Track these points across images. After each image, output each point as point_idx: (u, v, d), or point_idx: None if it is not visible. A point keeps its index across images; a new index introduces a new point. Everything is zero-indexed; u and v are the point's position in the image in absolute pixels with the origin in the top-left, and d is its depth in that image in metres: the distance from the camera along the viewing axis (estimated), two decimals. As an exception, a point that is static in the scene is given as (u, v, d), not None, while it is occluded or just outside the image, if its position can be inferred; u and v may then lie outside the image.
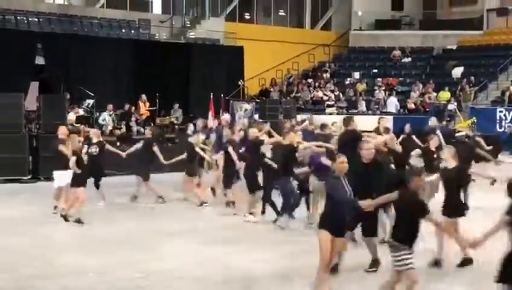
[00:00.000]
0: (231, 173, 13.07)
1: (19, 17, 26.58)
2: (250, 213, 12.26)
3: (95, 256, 9.65)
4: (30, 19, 26.83)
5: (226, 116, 18.36)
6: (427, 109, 28.29)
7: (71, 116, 19.91)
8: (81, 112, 21.61)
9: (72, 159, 11.68)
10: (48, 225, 11.86)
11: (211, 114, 21.47)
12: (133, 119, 23.09)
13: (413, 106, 29.07)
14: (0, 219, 12.37)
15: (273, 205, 12.13)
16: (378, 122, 16.81)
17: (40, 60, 23.62)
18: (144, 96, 23.83)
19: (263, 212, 12.45)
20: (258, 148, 12.53)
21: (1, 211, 13.30)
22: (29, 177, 17.56)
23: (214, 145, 15.40)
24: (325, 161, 10.73)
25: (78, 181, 11.77)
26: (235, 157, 12.97)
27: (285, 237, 11.03)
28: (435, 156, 11.82)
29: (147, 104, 23.92)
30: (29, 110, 19.94)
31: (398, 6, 37.07)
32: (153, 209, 13.60)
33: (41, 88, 22.89)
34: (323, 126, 15.06)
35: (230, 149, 13.12)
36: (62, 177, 12.29)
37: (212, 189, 14.62)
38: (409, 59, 34.29)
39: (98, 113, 22.27)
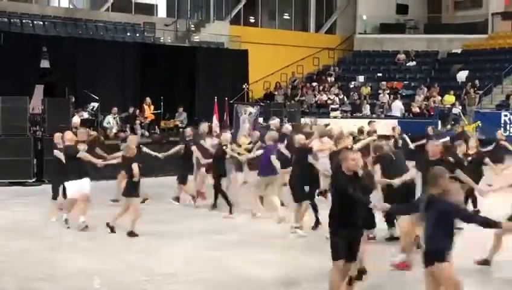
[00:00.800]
0: (186, 171, 14.24)
1: (24, 21, 26.70)
2: (297, 227, 11.38)
3: (99, 259, 9.67)
4: (35, 22, 26.95)
5: (275, 121, 17.90)
6: (432, 113, 28.26)
7: (76, 120, 19.93)
8: (85, 115, 21.66)
9: (135, 168, 11.11)
10: (52, 227, 11.87)
11: (215, 117, 21.51)
12: (138, 122, 23.14)
13: (417, 109, 29.05)
14: (4, 222, 12.40)
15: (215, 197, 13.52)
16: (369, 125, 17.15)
17: (45, 63, 23.68)
18: (148, 100, 23.88)
19: (215, 205, 13.69)
20: (305, 156, 11.64)
21: (5, 213, 13.33)
22: (33, 180, 17.59)
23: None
24: None
25: (134, 191, 11.27)
26: (199, 156, 14.22)
27: (288, 240, 11.02)
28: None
29: (152, 107, 23.98)
30: (34, 113, 20.03)
31: (402, 10, 37.05)
32: (156, 212, 13.61)
33: (46, 91, 22.98)
34: (360, 132, 15.06)
35: (194, 148, 14.21)
36: (77, 187, 11.62)
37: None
38: (414, 63, 34.28)
39: (102, 117, 22.32)
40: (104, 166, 12.40)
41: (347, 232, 7.31)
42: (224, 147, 13.84)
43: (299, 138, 12.10)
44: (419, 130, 20.92)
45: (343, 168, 7.56)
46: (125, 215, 11.35)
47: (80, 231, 11.36)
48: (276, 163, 12.74)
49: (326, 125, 17.69)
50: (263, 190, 13.11)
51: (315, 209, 11.83)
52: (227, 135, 14.70)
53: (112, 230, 11.26)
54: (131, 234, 11.07)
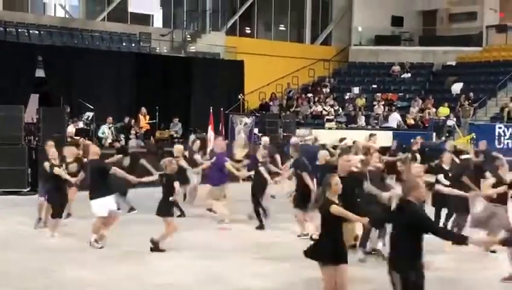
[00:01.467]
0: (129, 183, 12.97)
1: (20, 30, 26.66)
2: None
3: (95, 269, 9.62)
4: (31, 32, 26.91)
5: (293, 140, 17.50)
6: (427, 125, 28.36)
7: (70, 129, 19.91)
8: (80, 124, 21.63)
9: (177, 186, 10.71)
10: (47, 237, 11.79)
11: (210, 128, 21.49)
12: (133, 132, 23.10)
13: (412, 121, 29.13)
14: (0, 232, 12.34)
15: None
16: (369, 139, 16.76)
17: (40, 73, 23.66)
18: (143, 110, 23.86)
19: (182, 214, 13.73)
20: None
21: (0, 223, 13.25)
22: (28, 189, 17.51)
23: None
24: None
25: (170, 209, 10.85)
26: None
27: (284, 252, 10.97)
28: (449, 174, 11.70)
29: (147, 117, 23.96)
30: (28, 123, 19.98)
31: (398, 22, 37.21)
32: (152, 223, 13.54)
33: (41, 101, 22.94)
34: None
35: (143, 161, 13.84)
36: (107, 205, 10.95)
37: None
38: (409, 75, 34.40)
39: (95, 126, 22.26)
40: (137, 183, 11.84)
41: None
42: (177, 159, 13.37)
43: (323, 154, 11.52)
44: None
45: (412, 197, 6.52)
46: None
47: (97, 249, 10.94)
48: (232, 168, 13.21)
49: (343, 139, 17.15)
50: (222, 196, 13.46)
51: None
52: (179, 147, 14.81)
53: (156, 249, 10.73)
54: (156, 249, 10.70)
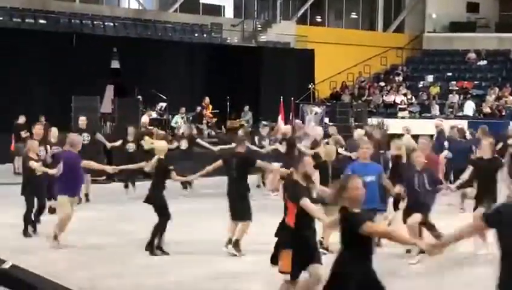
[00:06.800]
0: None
1: (95, 22, 27.35)
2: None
3: (170, 256, 9.72)
4: (106, 24, 27.57)
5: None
6: (503, 114, 27.53)
7: (145, 119, 20.30)
8: (154, 114, 22.02)
9: None
10: (124, 224, 11.99)
11: (280, 117, 21.51)
12: (204, 122, 23.34)
13: (488, 110, 28.33)
14: (79, 219, 12.48)
15: None
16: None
17: (115, 64, 24.21)
18: (207, 99, 23.76)
19: None
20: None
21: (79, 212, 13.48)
22: (103, 178, 17.89)
23: None
24: None
25: None
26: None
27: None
28: None
29: (210, 107, 23.93)
30: (104, 113, 20.49)
31: (473, 9, 36.19)
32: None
33: (116, 91, 23.49)
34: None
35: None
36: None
37: None
38: (485, 62, 33.46)
39: (170, 116, 22.63)
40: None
41: None
42: None
43: (395, 147, 10.57)
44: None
45: None
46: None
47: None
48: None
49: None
50: None
51: None
52: None
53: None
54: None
